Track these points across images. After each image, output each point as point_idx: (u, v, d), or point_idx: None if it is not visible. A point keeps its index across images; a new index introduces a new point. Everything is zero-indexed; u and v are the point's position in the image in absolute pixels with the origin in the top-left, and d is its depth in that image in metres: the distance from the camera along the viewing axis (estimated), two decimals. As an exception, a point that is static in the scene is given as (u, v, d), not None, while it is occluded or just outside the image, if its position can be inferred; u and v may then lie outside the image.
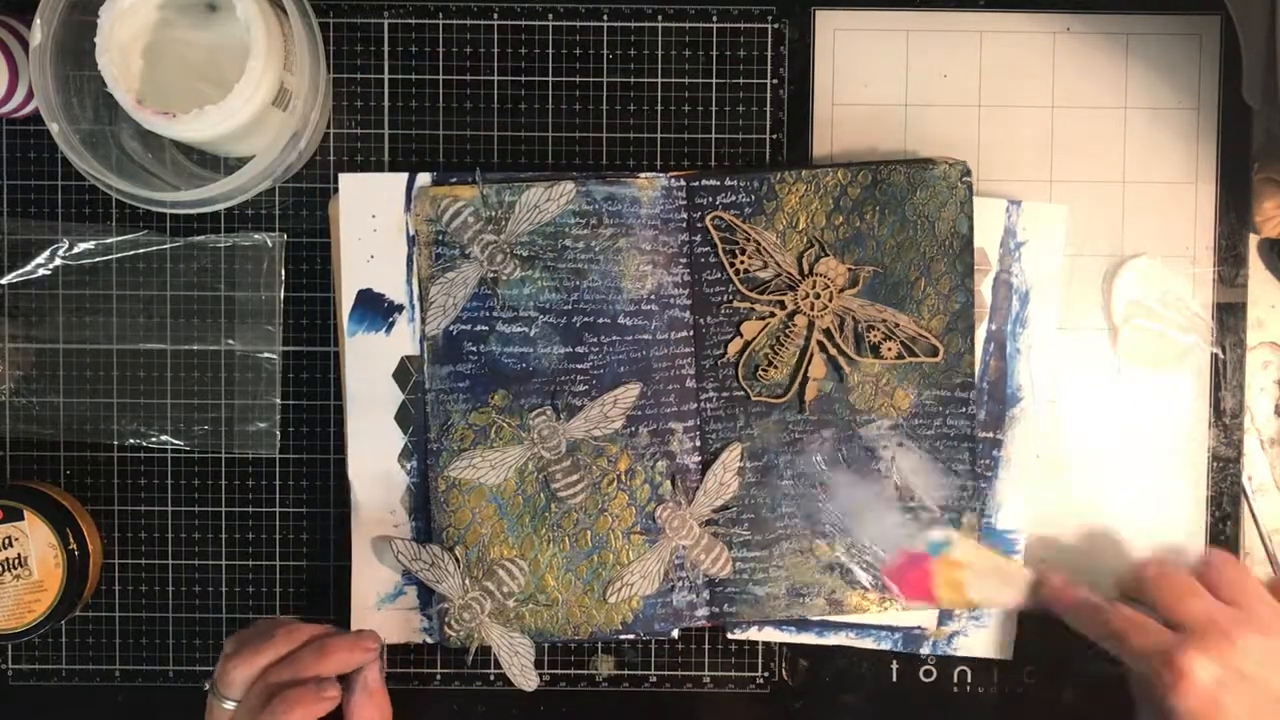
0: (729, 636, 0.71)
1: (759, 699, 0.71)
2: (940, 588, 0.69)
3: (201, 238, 0.70)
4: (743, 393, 0.69)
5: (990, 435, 0.70)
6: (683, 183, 0.69)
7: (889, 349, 0.68)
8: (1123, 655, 0.63)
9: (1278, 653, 0.60)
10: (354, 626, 0.70)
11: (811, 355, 0.69)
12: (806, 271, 0.69)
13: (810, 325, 0.69)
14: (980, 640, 0.70)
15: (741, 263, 0.69)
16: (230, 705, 0.62)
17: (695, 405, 0.69)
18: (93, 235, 0.70)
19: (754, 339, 0.69)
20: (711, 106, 0.70)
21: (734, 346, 0.69)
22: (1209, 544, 0.71)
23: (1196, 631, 0.60)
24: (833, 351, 0.69)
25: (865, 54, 0.70)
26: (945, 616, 0.70)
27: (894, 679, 0.71)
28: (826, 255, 0.68)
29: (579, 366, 0.69)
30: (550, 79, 0.71)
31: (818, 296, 0.68)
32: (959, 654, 0.71)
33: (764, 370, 0.69)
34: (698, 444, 0.69)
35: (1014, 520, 0.70)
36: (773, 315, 0.69)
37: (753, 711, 0.71)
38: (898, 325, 0.68)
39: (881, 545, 0.69)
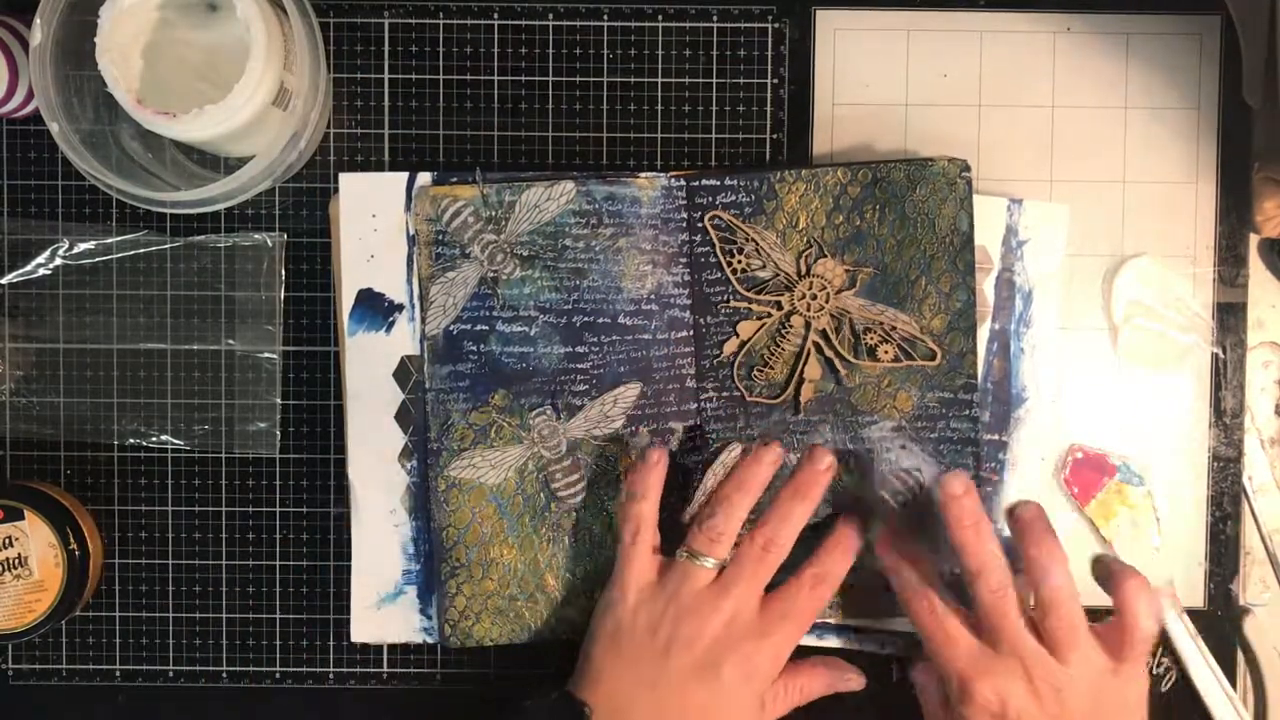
0: (729, 636, 0.71)
1: (759, 699, 0.71)
2: (1097, 503, 0.69)
3: (201, 238, 0.70)
4: (741, 393, 0.69)
5: (995, 438, 0.69)
6: (683, 182, 0.69)
7: (885, 352, 0.68)
8: (926, 649, 0.64)
9: (1087, 699, 0.62)
10: (354, 626, 0.70)
11: (808, 356, 0.69)
12: (804, 272, 0.69)
13: (807, 326, 0.69)
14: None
15: (739, 262, 0.69)
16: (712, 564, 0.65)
17: (695, 405, 0.69)
18: (93, 235, 0.70)
19: (750, 339, 0.69)
20: (711, 106, 0.70)
21: (730, 346, 0.69)
22: (1209, 544, 0.71)
23: (1002, 660, 0.62)
24: (829, 353, 0.69)
25: (865, 54, 0.71)
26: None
27: (894, 680, 0.71)
28: (824, 256, 0.68)
29: (579, 366, 0.69)
30: (550, 79, 0.71)
31: (814, 297, 0.68)
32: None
33: (759, 370, 0.69)
34: (698, 444, 0.69)
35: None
36: (769, 315, 0.69)
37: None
38: (894, 328, 0.68)
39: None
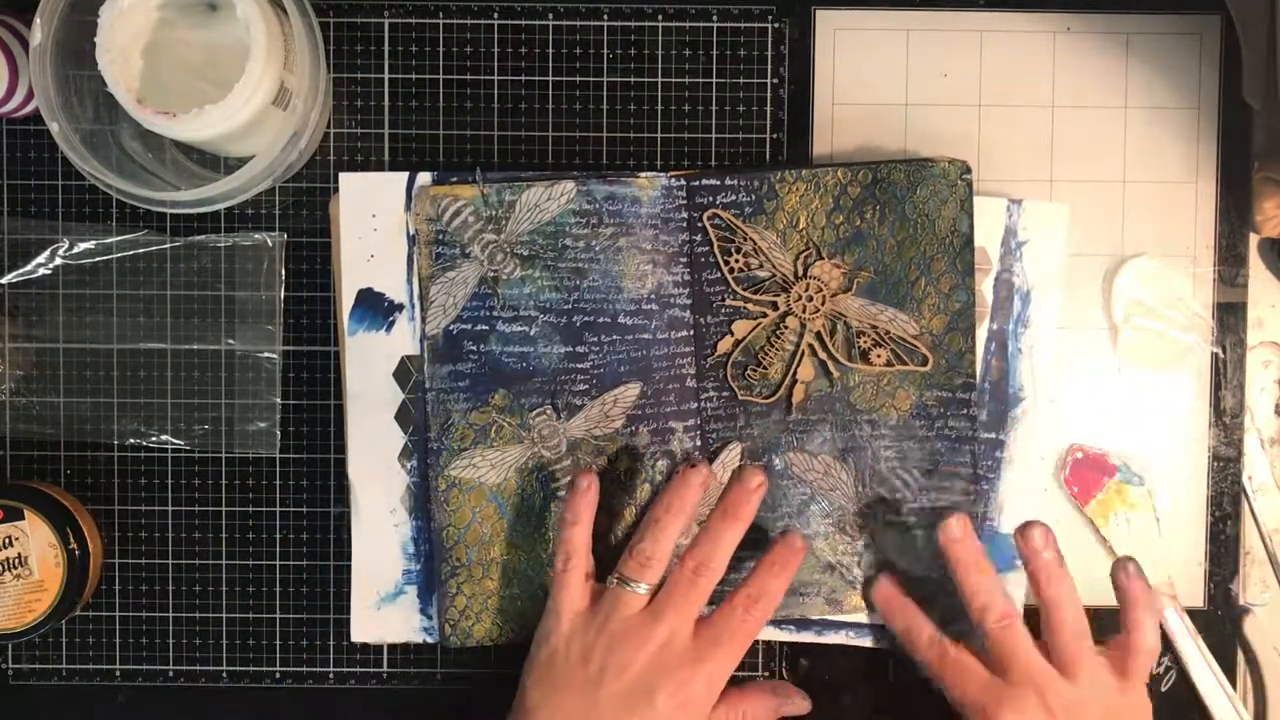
0: (729, 636, 0.71)
1: (759, 699, 0.71)
2: (1098, 503, 0.69)
3: (201, 237, 0.70)
4: (733, 391, 0.69)
5: (992, 436, 0.69)
6: (683, 182, 0.69)
7: (878, 355, 0.68)
8: (942, 688, 0.65)
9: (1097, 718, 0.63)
10: (354, 626, 0.70)
11: (801, 357, 0.69)
12: (801, 274, 0.69)
13: (802, 327, 0.69)
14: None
15: (737, 261, 0.69)
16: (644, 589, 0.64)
17: (695, 405, 0.69)
18: (93, 235, 0.70)
19: (745, 338, 0.69)
20: (711, 106, 0.71)
21: (724, 344, 0.69)
22: (1209, 544, 0.71)
23: (1015, 688, 0.62)
24: (823, 355, 0.69)
25: (865, 54, 0.71)
26: (947, 619, 0.70)
27: (890, 678, 0.71)
28: (821, 258, 0.68)
29: (579, 366, 0.69)
30: (550, 79, 0.71)
31: (810, 299, 0.68)
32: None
33: (753, 370, 0.69)
34: (698, 443, 0.69)
35: (1017, 522, 0.69)
36: (765, 315, 0.69)
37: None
38: (888, 333, 0.68)
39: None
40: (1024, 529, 0.64)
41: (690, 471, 0.65)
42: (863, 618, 0.70)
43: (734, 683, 0.65)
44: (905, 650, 0.67)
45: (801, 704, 0.68)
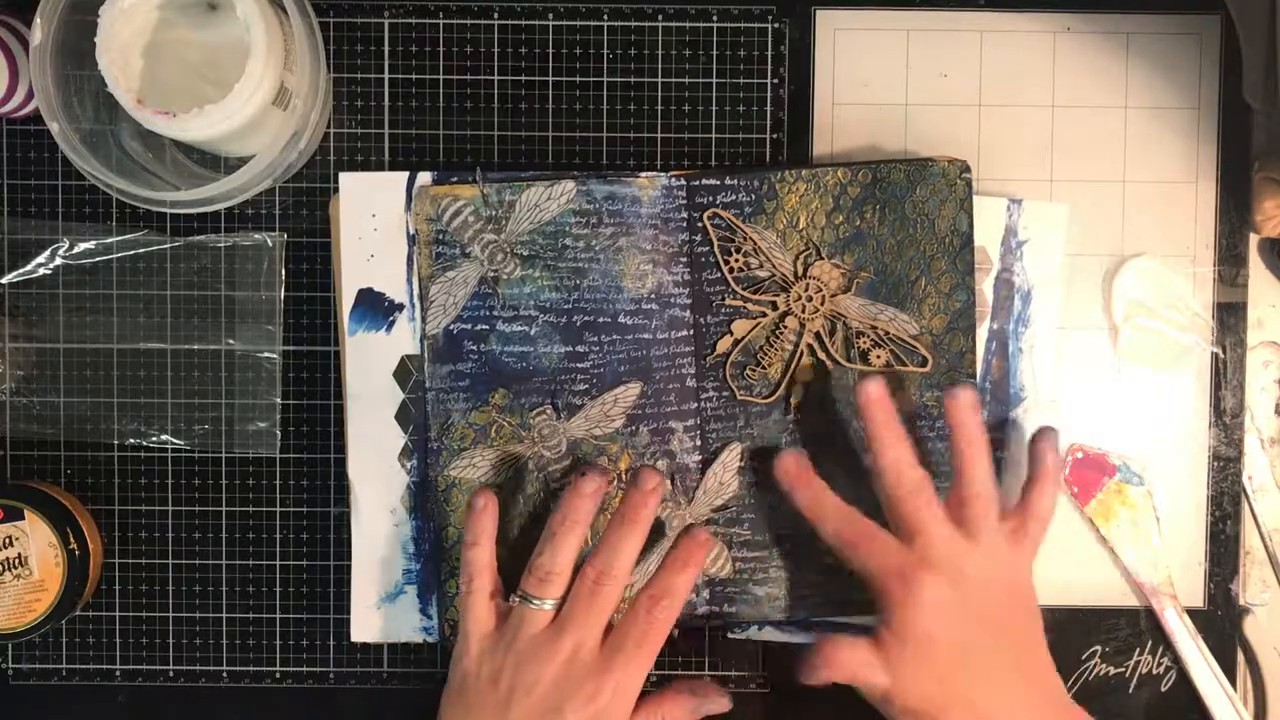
0: (729, 636, 0.71)
1: (759, 699, 0.71)
2: (1097, 502, 0.70)
3: (201, 237, 0.70)
4: (731, 391, 0.69)
5: (993, 436, 0.69)
6: (683, 182, 0.69)
7: (877, 356, 0.68)
8: (852, 562, 0.64)
9: (995, 583, 0.63)
10: (354, 626, 0.70)
11: (800, 357, 0.69)
12: (800, 274, 0.69)
13: (801, 327, 0.69)
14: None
15: (736, 261, 0.69)
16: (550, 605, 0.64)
17: (695, 404, 0.69)
18: (93, 235, 0.70)
19: (744, 337, 0.69)
20: (711, 106, 0.71)
21: (723, 344, 0.69)
22: (1209, 544, 0.71)
23: (930, 553, 0.62)
24: (822, 355, 0.69)
25: (865, 54, 0.71)
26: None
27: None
28: (821, 258, 0.68)
29: (579, 366, 0.69)
30: (550, 79, 0.71)
31: (809, 299, 0.68)
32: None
33: (752, 369, 0.69)
34: (698, 443, 0.69)
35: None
36: (764, 315, 0.69)
37: (753, 711, 0.71)
38: (888, 333, 0.68)
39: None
40: (952, 388, 0.65)
41: (582, 480, 0.64)
42: (864, 619, 0.70)
43: (727, 686, 0.64)
44: (812, 524, 0.65)
45: (722, 701, 0.67)
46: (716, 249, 0.68)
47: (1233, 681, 0.71)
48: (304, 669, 0.71)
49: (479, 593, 0.65)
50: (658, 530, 0.69)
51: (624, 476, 0.69)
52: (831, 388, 0.69)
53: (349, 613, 0.70)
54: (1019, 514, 0.65)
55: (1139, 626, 0.71)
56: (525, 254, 0.69)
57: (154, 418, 0.71)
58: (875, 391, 0.65)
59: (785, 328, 0.69)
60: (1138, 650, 0.71)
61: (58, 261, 0.70)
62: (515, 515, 0.69)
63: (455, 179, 0.69)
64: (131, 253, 0.70)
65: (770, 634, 0.71)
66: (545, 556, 0.64)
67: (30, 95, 0.67)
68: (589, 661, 0.62)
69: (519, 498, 0.69)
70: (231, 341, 0.71)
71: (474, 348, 0.69)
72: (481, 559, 0.65)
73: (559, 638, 0.62)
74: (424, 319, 0.69)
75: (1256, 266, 0.71)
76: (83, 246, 0.70)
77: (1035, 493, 0.65)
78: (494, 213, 0.69)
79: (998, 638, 0.63)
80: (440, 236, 0.69)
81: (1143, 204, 0.71)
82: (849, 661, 0.63)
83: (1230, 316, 0.71)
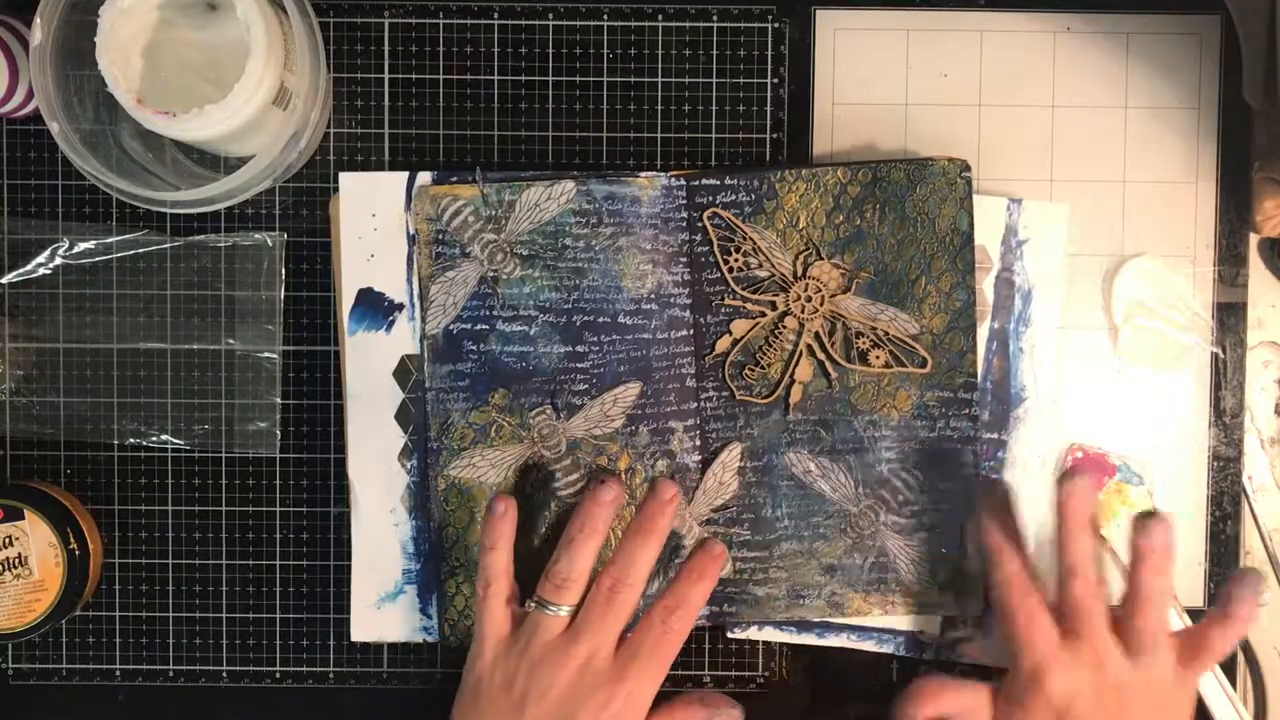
0: (729, 636, 0.71)
1: (759, 699, 0.71)
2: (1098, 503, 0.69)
3: (201, 237, 0.70)
4: (730, 391, 0.69)
5: (995, 436, 0.69)
6: (683, 182, 0.69)
7: (877, 357, 0.68)
8: (1003, 625, 0.64)
9: (1144, 704, 0.62)
10: (354, 626, 0.70)
11: (799, 357, 0.69)
12: (800, 274, 0.69)
13: (800, 327, 0.69)
14: (984, 648, 0.70)
15: (736, 261, 0.69)
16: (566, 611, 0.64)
17: (695, 404, 0.69)
18: (93, 235, 0.70)
19: (744, 337, 0.69)
20: (711, 106, 0.71)
21: (722, 344, 0.69)
22: (1209, 544, 0.71)
23: (1077, 655, 0.62)
24: (821, 356, 0.69)
25: (865, 54, 0.71)
26: (949, 624, 0.70)
27: (894, 680, 0.71)
28: (821, 258, 0.68)
29: (579, 365, 0.69)
30: (550, 79, 0.71)
31: (809, 300, 0.68)
32: (961, 660, 0.70)
33: (751, 369, 0.69)
34: (698, 443, 0.69)
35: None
36: (764, 315, 0.69)
37: (753, 711, 0.71)
38: (888, 334, 0.68)
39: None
40: (1145, 523, 0.63)
41: (600, 489, 0.65)
42: (864, 620, 0.70)
43: (727, 686, 0.64)
44: (986, 565, 0.65)
45: (733, 714, 0.66)
46: (716, 249, 0.68)
47: (1233, 681, 0.71)
48: (304, 669, 0.71)
49: (495, 597, 0.65)
50: (673, 541, 0.69)
51: (624, 477, 0.69)
52: (831, 388, 0.69)
53: (349, 613, 0.70)
54: (1195, 644, 0.63)
55: (1139, 626, 0.71)
56: (525, 254, 0.69)
57: (154, 418, 0.71)
58: (1079, 487, 0.64)
59: (785, 328, 0.69)
60: (1138, 650, 0.71)
61: (58, 261, 0.70)
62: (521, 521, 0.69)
63: (455, 179, 0.69)
64: (131, 252, 0.70)
65: (770, 634, 0.71)
66: (562, 563, 0.64)
67: (30, 95, 0.67)
68: (603, 669, 0.62)
69: (518, 498, 0.69)
70: (231, 341, 0.71)
71: (474, 348, 0.69)
72: (499, 564, 0.65)
73: (573, 644, 0.63)
74: (424, 319, 0.69)
75: (1256, 266, 0.71)
76: (83, 246, 0.70)
77: (1220, 632, 0.63)
78: (494, 213, 0.69)
79: None
80: (440, 236, 0.69)
81: (1143, 204, 0.71)
82: (962, 697, 0.63)
83: (1230, 316, 0.71)
